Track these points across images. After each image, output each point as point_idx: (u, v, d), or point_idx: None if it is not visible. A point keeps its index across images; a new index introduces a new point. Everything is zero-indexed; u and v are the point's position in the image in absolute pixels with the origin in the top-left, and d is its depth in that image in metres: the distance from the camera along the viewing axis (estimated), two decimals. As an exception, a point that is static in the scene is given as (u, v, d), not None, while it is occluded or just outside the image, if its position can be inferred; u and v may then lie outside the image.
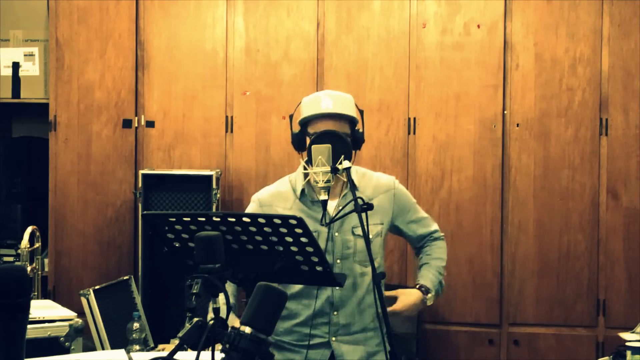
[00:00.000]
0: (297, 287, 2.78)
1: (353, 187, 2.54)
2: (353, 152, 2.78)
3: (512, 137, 4.09)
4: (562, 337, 4.05)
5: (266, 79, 4.29)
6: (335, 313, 2.74)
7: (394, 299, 2.73)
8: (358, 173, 2.83)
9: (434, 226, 2.94)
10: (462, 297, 4.09)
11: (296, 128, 2.78)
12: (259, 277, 1.98)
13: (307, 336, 2.75)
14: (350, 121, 2.73)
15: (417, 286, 2.75)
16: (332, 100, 2.72)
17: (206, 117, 4.33)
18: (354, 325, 2.75)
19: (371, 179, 2.84)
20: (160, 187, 4.23)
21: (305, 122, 2.75)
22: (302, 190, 2.78)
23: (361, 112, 2.80)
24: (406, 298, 2.71)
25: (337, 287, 2.70)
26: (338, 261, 2.73)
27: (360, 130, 2.77)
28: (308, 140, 2.72)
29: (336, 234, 2.74)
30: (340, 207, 2.70)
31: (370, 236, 2.68)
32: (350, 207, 2.55)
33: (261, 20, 4.29)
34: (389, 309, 2.65)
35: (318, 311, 2.74)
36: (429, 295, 2.74)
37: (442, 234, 2.95)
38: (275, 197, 2.86)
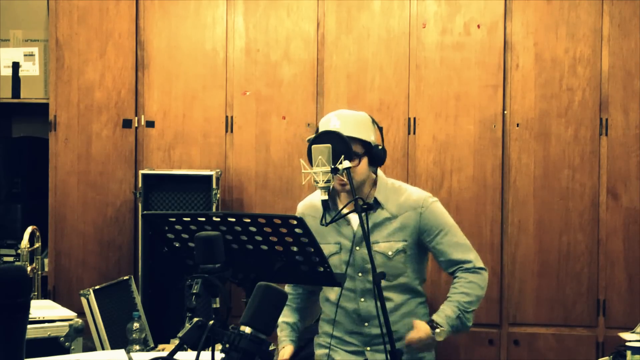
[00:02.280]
0: (333, 294, 2.81)
1: (352, 187, 2.54)
2: (373, 168, 2.80)
3: (512, 137, 4.09)
4: (562, 337, 4.05)
5: (266, 79, 4.29)
6: (366, 324, 2.82)
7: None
8: (389, 187, 2.83)
9: (471, 255, 2.83)
10: (462, 297, 4.09)
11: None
12: (259, 277, 1.98)
13: (343, 342, 2.87)
14: (361, 142, 2.73)
15: (429, 321, 2.74)
16: (341, 121, 2.71)
17: (206, 117, 4.33)
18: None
19: (400, 195, 2.82)
20: (160, 187, 4.23)
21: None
22: (327, 204, 2.67)
23: (380, 129, 2.81)
24: (415, 332, 2.70)
25: (362, 300, 2.76)
26: (360, 274, 2.79)
27: (380, 146, 2.77)
28: None
29: (357, 248, 2.77)
30: (340, 208, 2.72)
31: (390, 253, 2.76)
32: (351, 207, 2.56)
33: (261, 20, 4.29)
34: (406, 339, 2.70)
35: (350, 322, 2.84)
36: (438, 330, 2.70)
37: (481, 265, 2.82)
38: (308, 207, 2.91)
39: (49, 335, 3.00)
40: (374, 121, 2.81)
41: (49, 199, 4.42)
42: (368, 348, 2.82)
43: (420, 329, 2.71)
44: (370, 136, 2.76)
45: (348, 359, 2.85)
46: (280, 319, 2.96)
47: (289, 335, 2.92)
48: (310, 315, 3.08)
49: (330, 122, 2.74)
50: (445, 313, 2.75)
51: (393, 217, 2.79)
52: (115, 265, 4.38)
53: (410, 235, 2.79)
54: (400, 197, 2.82)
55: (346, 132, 2.65)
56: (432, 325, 2.71)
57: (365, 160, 2.74)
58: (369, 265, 2.73)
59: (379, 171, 2.86)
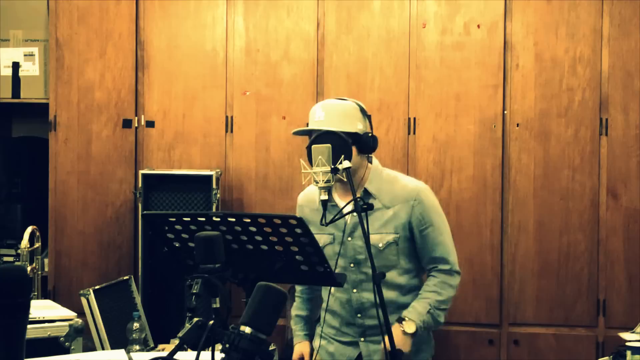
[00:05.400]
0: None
1: (352, 187, 2.53)
2: (366, 156, 2.78)
3: (512, 137, 4.09)
4: (562, 337, 4.05)
5: (266, 79, 4.29)
6: (359, 316, 2.81)
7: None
8: (383, 177, 2.81)
9: (450, 257, 2.82)
10: (462, 297, 4.09)
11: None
12: (259, 277, 1.98)
13: (339, 332, 2.86)
14: (346, 134, 2.70)
15: (397, 319, 2.70)
16: (325, 112, 2.70)
17: (206, 117, 4.34)
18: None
19: (394, 186, 2.80)
20: (160, 187, 4.23)
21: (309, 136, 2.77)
22: (326, 204, 2.75)
23: (369, 116, 2.79)
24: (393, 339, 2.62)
25: (355, 291, 2.75)
26: (352, 265, 2.78)
27: (370, 134, 2.74)
28: None
29: (348, 239, 2.76)
30: (337, 199, 2.74)
31: (381, 245, 2.73)
32: (351, 207, 2.55)
33: (261, 20, 4.29)
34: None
35: (345, 312, 2.84)
36: (405, 323, 2.67)
37: (457, 269, 2.83)
38: (306, 198, 2.93)
39: (49, 335, 3.00)
40: (362, 109, 2.76)
41: (49, 199, 4.42)
42: (362, 339, 2.81)
43: (393, 334, 2.60)
44: (357, 125, 2.71)
45: (342, 350, 2.84)
46: (293, 312, 2.99)
47: (303, 329, 2.95)
48: (317, 306, 3.08)
49: (315, 114, 2.73)
50: (416, 309, 2.73)
51: (385, 208, 2.76)
52: (115, 265, 4.38)
53: (403, 228, 2.76)
54: (395, 188, 2.80)
55: (330, 124, 2.65)
56: (400, 321, 2.69)
57: (353, 150, 2.69)
58: (361, 257, 2.74)
59: (375, 160, 2.83)
